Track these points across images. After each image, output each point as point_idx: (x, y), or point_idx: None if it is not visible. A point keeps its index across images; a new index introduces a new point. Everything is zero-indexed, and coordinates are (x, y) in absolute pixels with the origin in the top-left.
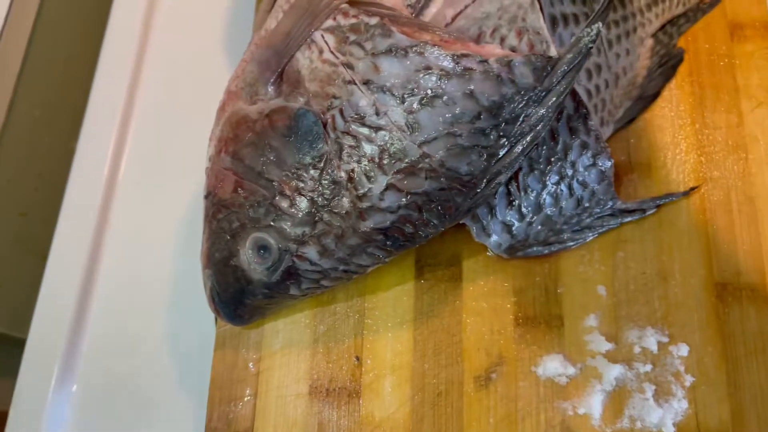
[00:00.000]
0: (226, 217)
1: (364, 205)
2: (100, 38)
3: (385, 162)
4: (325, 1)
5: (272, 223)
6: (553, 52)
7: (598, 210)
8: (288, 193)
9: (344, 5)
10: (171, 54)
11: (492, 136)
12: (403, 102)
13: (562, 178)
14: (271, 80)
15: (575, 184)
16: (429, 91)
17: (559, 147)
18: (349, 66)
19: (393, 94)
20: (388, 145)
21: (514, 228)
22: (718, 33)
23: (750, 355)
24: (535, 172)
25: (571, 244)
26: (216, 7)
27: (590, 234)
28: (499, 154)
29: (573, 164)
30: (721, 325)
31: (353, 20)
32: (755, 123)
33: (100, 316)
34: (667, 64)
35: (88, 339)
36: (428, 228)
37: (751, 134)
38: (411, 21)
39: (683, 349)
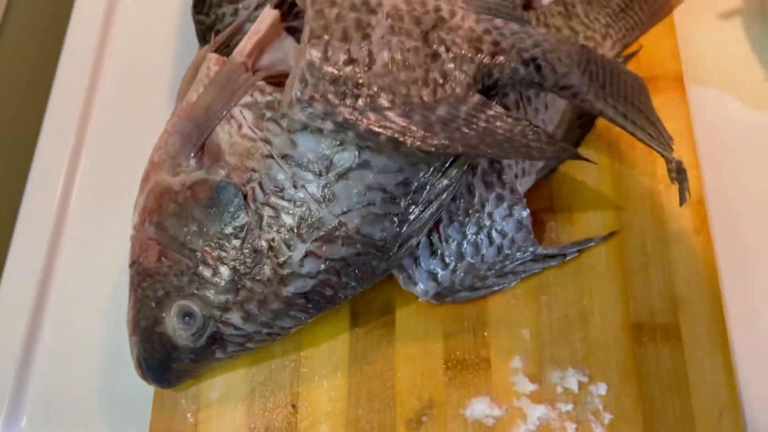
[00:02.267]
0: (150, 285)
1: (285, 271)
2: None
3: (303, 231)
4: (243, 77)
5: (196, 291)
6: None
7: (519, 256)
8: (211, 262)
9: (261, 82)
10: (123, 84)
11: (402, 204)
12: (319, 176)
13: (480, 228)
14: (193, 153)
15: (494, 234)
16: (343, 165)
17: (476, 200)
18: (267, 141)
19: (309, 169)
20: (306, 215)
21: (439, 276)
22: None
23: (665, 392)
24: (455, 223)
25: (497, 288)
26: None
27: (514, 279)
28: (409, 220)
29: (490, 215)
30: (637, 364)
31: (269, 97)
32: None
33: (47, 356)
34: (586, 117)
35: (36, 379)
36: (347, 290)
37: (664, 181)
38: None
39: (602, 388)
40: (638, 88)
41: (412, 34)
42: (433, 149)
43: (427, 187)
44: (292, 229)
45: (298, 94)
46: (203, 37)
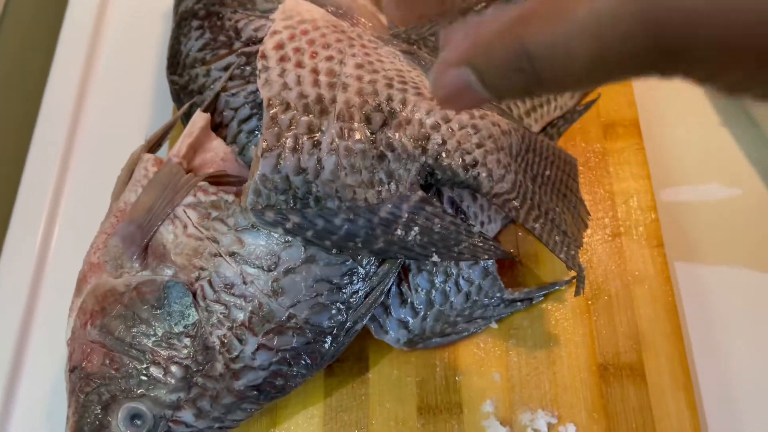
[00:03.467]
0: (95, 390)
1: (238, 366)
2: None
3: (254, 325)
4: (184, 178)
5: (146, 392)
6: None
7: (487, 301)
8: (161, 361)
9: (203, 182)
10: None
11: (347, 293)
12: (268, 271)
13: (448, 276)
14: (137, 254)
15: (461, 281)
16: (291, 261)
17: None
18: (214, 240)
19: (258, 265)
20: (256, 309)
21: (409, 324)
22: (593, 132)
23: (631, 431)
24: (423, 272)
25: (466, 334)
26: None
27: (483, 324)
28: (354, 306)
29: (457, 264)
30: (604, 404)
31: (213, 197)
32: (627, 213)
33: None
34: None
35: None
36: (297, 378)
37: (624, 224)
38: None
39: (571, 429)
40: (570, 170)
41: (360, 137)
42: (373, 256)
43: (371, 274)
44: (243, 323)
45: (252, 204)
46: (177, 97)
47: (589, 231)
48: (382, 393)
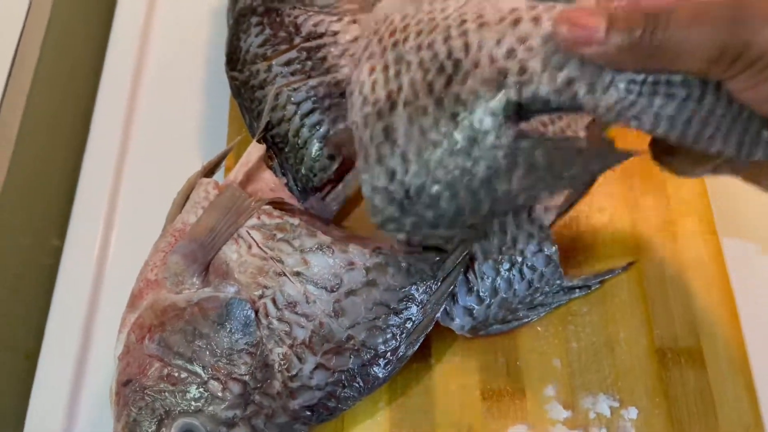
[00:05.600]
0: (149, 404)
1: (295, 384)
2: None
3: (314, 344)
4: (247, 201)
5: (202, 408)
6: None
7: (548, 289)
8: (220, 377)
9: (267, 206)
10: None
11: (402, 318)
12: (330, 291)
13: (513, 264)
14: (198, 271)
15: (525, 269)
16: (353, 283)
17: (508, 238)
18: (278, 260)
19: (321, 285)
20: (317, 329)
21: (474, 311)
22: None
23: (692, 414)
24: (489, 261)
25: (527, 320)
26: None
27: (543, 310)
28: (407, 332)
29: (522, 252)
30: (664, 388)
31: (278, 220)
32: (680, 203)
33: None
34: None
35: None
36: (348, 401)
37: (677, 212)
38: (318, 222)
39: (633, 413)
40: None
41: (429, 110)
42: (483, 224)
43: (425, 301)
44: (303, 342)
45: (379, 223)
46: (238, 92)
47: (642, 219)
48: (446, 378)
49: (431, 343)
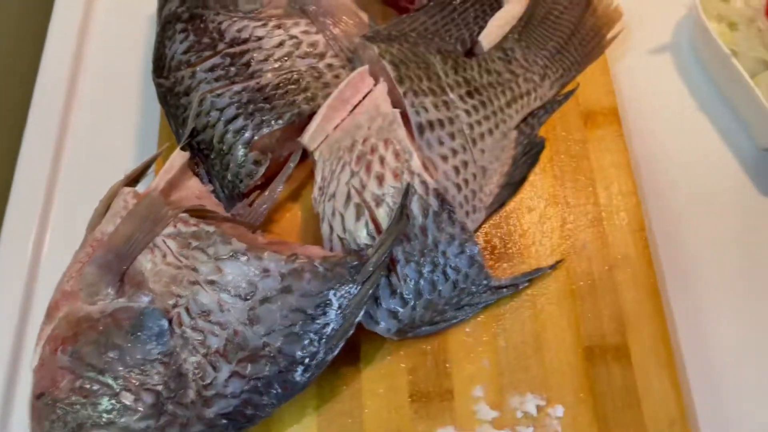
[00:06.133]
0: (61, 417)
1: (209, 393)
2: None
3: (229, 352)
4: (164, 210)
5: (114, 420)
6: (414, 160)
7: (474, 289)
8: (132, 388)
9: (183, 214)
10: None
11: (320, 323)
12: (245, 299)
13: (435, 266)
14: (113, 282)
15: (449, 270)
16: (267, 290)
17: (429, 240)
18: (193, 268)
19: (235, 293)
20: (231, 337)
21: (399, 314)
22: (573, 121)
23: (618, 410)
24: (412, 263)
25: (455, 321)
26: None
27: (471, 311)
28: (326, 337)
29: (444, 253)
30: (591, 385)
31: (194, 228)
32: (609, 199)
33: None
34: (531, 152)
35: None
36: (267, 408)
37: (606, 210)
38: (242, 228)
39: (559, 410)
40: None
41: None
42: None
43: (344, 306)
44: (218, 350)
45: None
46: (164, 100)
47: (571, 218)
48: (375, 382)
49: (360, 346)
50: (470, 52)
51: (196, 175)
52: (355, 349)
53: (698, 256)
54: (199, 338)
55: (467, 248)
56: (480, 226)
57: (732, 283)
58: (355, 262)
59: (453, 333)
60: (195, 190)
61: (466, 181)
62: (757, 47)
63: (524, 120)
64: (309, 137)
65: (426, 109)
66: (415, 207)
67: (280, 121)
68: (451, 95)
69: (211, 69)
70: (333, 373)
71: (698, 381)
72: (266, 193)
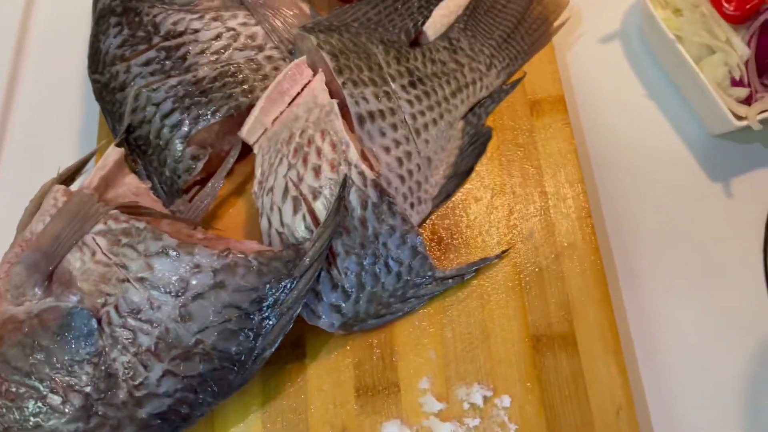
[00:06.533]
0: None
1: (141, 393)
2: None
3: (161, 351)
4: (94, 207)
5: (42, 423)
6: (352, 151)
7: (419, 280)
8: (59, 390)
9: (114, 211)
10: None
11: (256, 319)
12: (176, 296)
13: (377, 258)
14: (40, 282)
15: (391, 262)
16: (199, 286)
17: (370, 232)
18: (122, 266)
19: (166, 290)
20: (163, 335)
21: (342, 308)
22: (520, 110)
23: (565, 398)
24: (352, 256)
25: (401, 313)
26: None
27: (417, 302)
28: (263, 334)
29: (385, 245)
30: (537, 373)
31: (124, 224)
32: (556, 186)
33: None
34: (478, 142)
35: None
36: (203, 407)
37: (553, 197)
38: (181, 225)
39: (506, 401)
40: None
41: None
42: None
43: (280, 301)
44: (149, 349)
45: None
46: (100, 96)
47: (518, 207)
48: (320, 377)
49: (305, 342)
50: (415, 42)
51: (135, 172)
52: (300, 344)
53: (648, 242)
54: (129, 337)
55: (409, 239)
56: (427, 218)
57: (682, 268)
58: (292, 256)
59: (400, 325)
60: (132, 186)
61: (410, 172)
62: (701, 32)
63: (471, 110)
64: (247, 131)
65: (366, 100)
66: (353, 199)
67: (218, 115)
68: (393, 85)
69: (147, 63)
70: (279, 369)
71: (647, 366)
72: (206, 188)
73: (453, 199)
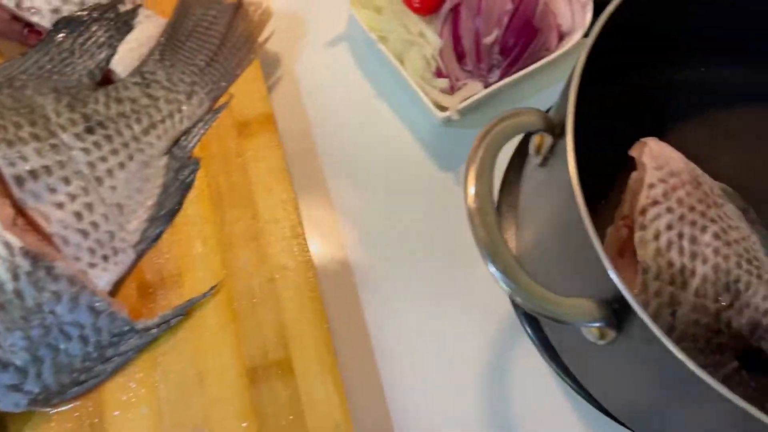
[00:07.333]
0: None
1: None
2: None
3: None
4: None
5: None
6: None
7: (115, 339)
8: None
9: None
10: None
11: None
12: None
13: (48, 328)
14: None
15: (68, 328)
16: None
17: (30, 303)
18: None
19: None
20: None
21: (23, 386)
22: (227, 133)
23: (281, 428)
24: (15, 331)
25: (104, 375)
26: None
27: (120, 360)
28: None
29: (53, 312)
30: (255, 408)
31: None
32: (267, 209)
33: None
34: (185, 176)
35: None
36: None
37: (264, 222)
38: None
39: None
40: None
41: (708, 314)
42: None
43: None
44: None
45: None
46: None
47: (230, 236)
48: None
49: (7, 424)
50: (107, 81)
51: None
52: (2, 424)
53: (382, 245)
54: None
55: (82, 300)
56: (134, 266)
57: (417, 268)
58: None
59: (109, 387)
60: None
61: (94, 225)
62: (398, 28)
63: (176, 143)
64: None
65: (25, 158)
66: (1, 271)
67: None
68: (64, 136)
69: None
70: None
71: (388, 372)
72: None
73: (162, 239)
